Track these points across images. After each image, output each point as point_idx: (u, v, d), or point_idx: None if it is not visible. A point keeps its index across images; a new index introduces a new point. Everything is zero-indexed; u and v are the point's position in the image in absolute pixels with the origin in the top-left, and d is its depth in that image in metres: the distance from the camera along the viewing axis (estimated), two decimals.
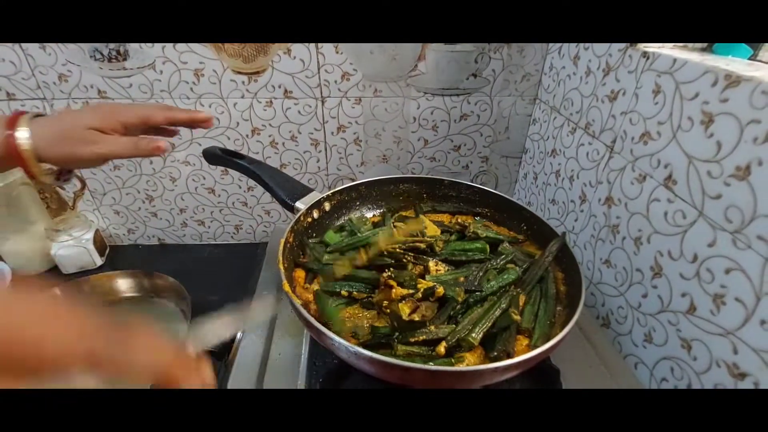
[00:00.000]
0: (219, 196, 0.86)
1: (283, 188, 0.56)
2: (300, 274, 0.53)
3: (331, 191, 0.60)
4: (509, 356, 0.42)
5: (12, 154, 0.40)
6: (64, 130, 0.42)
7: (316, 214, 0.58)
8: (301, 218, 0.55)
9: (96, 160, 0.43)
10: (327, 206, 0.60)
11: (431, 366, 0.39)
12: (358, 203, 0.65)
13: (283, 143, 0.80)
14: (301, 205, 0.55)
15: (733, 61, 0.43)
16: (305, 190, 0.57)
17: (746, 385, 0.38)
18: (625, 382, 0.51)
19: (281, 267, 0.47)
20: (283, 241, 0.50)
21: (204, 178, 0.83)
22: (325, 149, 0.82)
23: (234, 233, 0.93)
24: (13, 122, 0.40)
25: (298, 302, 0.42)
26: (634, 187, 0.52)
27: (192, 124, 0.49)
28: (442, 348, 0.42)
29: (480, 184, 0.66)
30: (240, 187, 0.85)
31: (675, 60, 0.45)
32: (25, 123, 0.41)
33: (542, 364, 0.48)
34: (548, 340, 0.40)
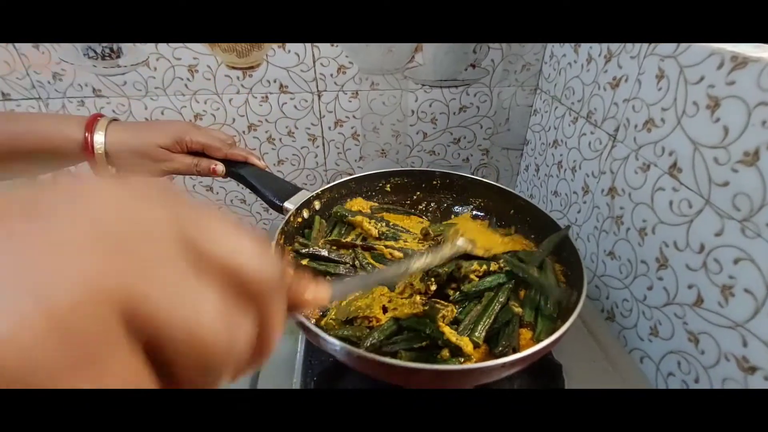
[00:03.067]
0: (217, 193, 0.86)
1: (269, 189, 0.54)
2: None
3: (320, 189, 0.58)
4: (515, 351, 0.41)
5: (86, 153, 0.45)
6: (138, 145, 0.46)
7: (306, 214, 0.56)
8: (291, 219, 0.53)
9: (159, 174, 0.49)
10: (317, 205, 0.58)
11: (438, 366, 0.38)
12: (348, 200, 0.63)
13: (280, 139, 0.79)
14: (290, 205, 0.53)
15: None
16: (294, 190, 0.55)
17: (756, 378, 0.37)
18: (630, 377, 0.49)
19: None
20: (273, 244, 0.48)
21: None
22: (323, 144, 0.81)
23: None
24: (91, 125, 0.45)
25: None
26: (638, 177, 0.51)
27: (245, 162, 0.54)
28: (446, 353, 0.40)
29: (481, 177, 0.64)
30: (238, 185, 0.84)
31: (679, 43, 0.43)
32: (102, 128, 0.45)
33: (544, 359, 0.47)
34: (552, 332, 0.38)
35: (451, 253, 0.43)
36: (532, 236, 0.57)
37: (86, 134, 0.44)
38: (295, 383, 0.46)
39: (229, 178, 0.84)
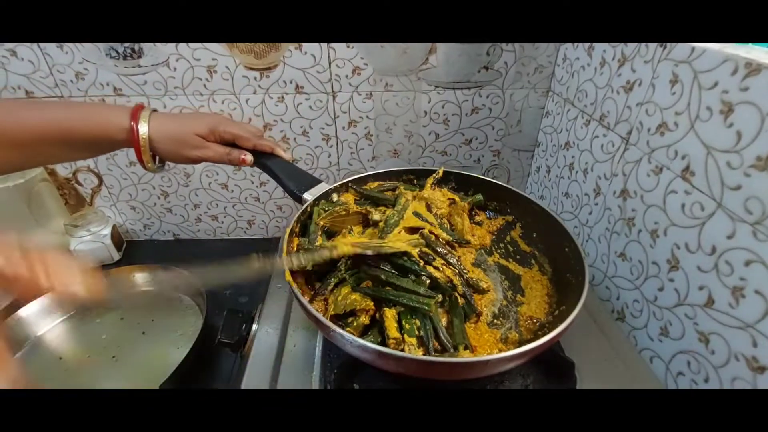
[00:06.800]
0: (232, 191, 0.87)
1: (291, 179, 0.57)
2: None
3: (339, 183, 0.61)
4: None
5: (132, 141, 0.49)
6: (177, 133, 0.51)
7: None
8: (308, 209, 0.55)
9: (195, 161, 0.53)
10: (335, 197, 0.60)
11: (441, 358, 0.39)
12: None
13: (295, 138, 0.81)
14: (309, 196, 0.56)
15: (753, 49, 0.42)
16: (314, 182, 0.58)
17: (766, 378, 0.38)
18: (641, 376, 0.50)
19: (285, 255, 0.48)
20: (288, 230, 0.50)
21: (217, 174, 0.84)
22: (337, 144, 0.82)
23: (247, 228, 0.94)
24: (136, 115, 0.49)
25: (297, 290, 0.43)
26: (650, 179, 0.51)
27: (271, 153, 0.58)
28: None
29: (492, 178, 0.65)
30: (252, 183, 0.86)
31: (693, 49, 0.44)
32: (145, 118, 0.49)
33: (556, 356, 0.48)
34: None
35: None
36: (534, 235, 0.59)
37: (132, 123, 0.48)
38: (315, 376, 0.48)
39: (244, 177, 0.86)
